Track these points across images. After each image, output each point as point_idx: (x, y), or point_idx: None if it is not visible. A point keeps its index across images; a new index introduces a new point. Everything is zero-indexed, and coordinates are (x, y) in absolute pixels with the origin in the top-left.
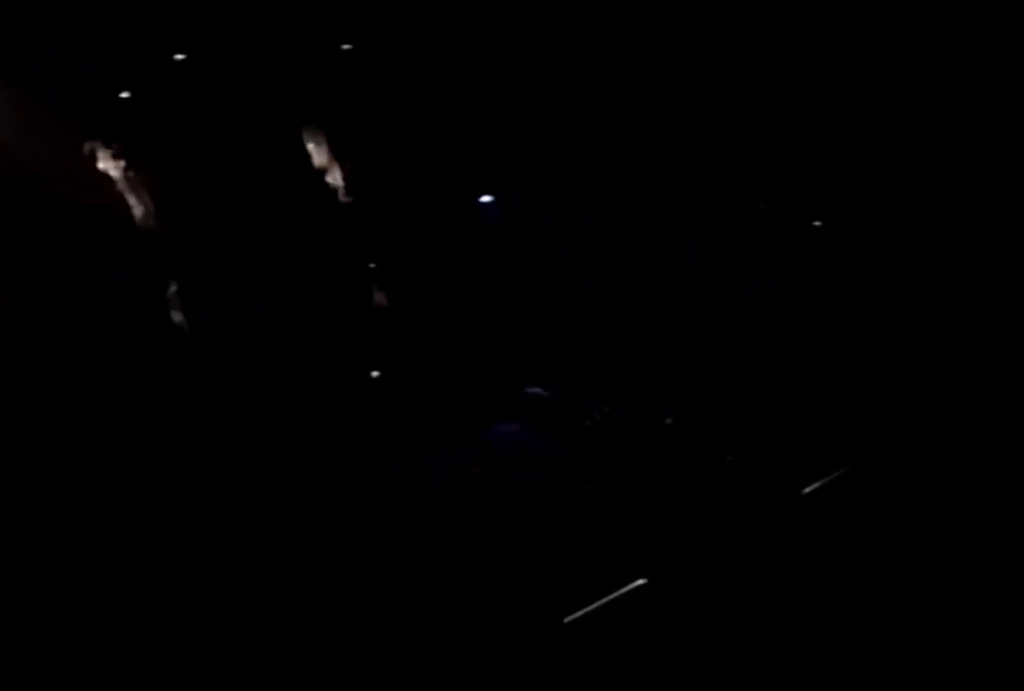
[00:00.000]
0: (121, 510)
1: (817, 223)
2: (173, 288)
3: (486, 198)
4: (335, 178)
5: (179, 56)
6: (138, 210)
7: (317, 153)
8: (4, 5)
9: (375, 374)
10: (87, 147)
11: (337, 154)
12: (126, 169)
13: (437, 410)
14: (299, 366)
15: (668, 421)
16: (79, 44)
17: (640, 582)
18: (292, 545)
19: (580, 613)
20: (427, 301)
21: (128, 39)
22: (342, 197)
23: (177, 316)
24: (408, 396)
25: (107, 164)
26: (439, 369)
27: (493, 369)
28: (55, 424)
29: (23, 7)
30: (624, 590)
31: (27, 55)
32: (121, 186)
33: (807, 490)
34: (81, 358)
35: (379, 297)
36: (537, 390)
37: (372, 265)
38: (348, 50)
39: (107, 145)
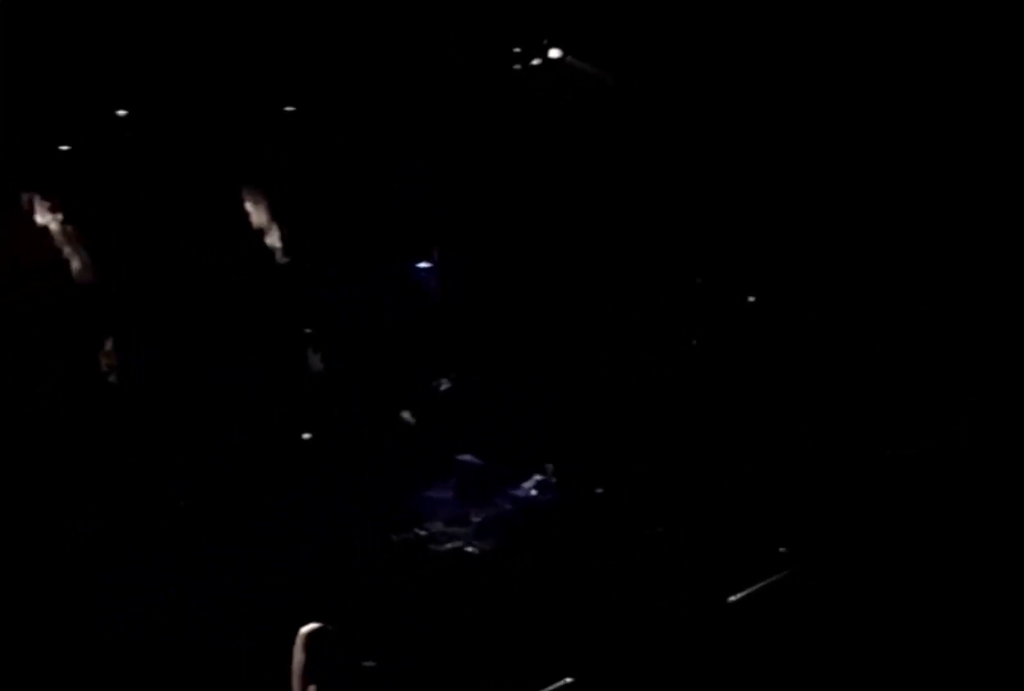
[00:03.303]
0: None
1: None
2: (108, 341)
3: (423, 264)
4: (273, 239)
5: (121, 112)
6: (75, 263)
7: (256, 213)
8: None
9: (306, 436)
10: (25, 199)
11: (276, 215)
12: (64, 222)
13: (368, 472)
14: (232, 427)
15: (598, 491)
16: (18, 97)
17: (567, 681)
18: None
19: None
20: (362, 365)
21: (69, 93)
22: (279, 259)
23: (112, 369)
24: (341, 458)
25: (44, 217)
26: (372, 432)
27: (426, 433)
28: None
29: None
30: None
31: None
32: (58, 239)
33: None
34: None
35: (314, 360)
36: (468, 457)
37: (308, 330)
38: (290, 112)
39: (45, 197)
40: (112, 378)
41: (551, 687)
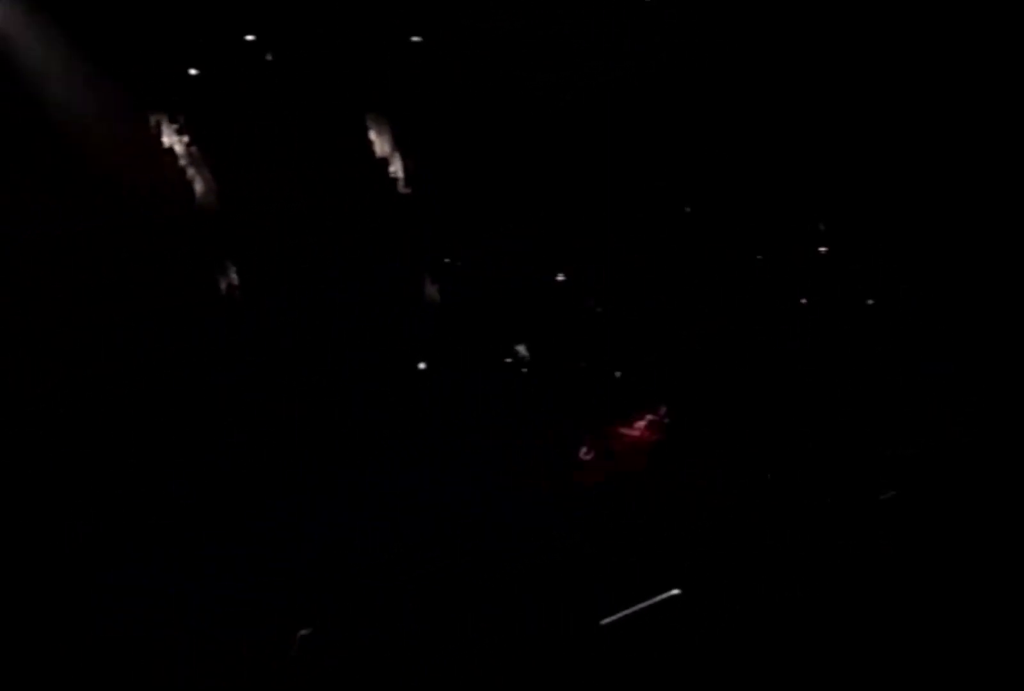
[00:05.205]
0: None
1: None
2: (228, 262)
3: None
4: (396, 168)
5: (250, 36)
6: (199, 185)
7: (379, 142)
8: None
9: (422, 366)
10: (152, 120)
11: (400, 145)
12: (189, 143)
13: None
14: (342, 352)
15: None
16: (150, 21)
17: (674, 592)
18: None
19: (615, 617)
20: (481, 298)
21: (200, 19)
22: (401, 188)
23: (229, 289)
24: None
25: (171, 138)
26: (487, 367)
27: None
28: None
29: None
30: (658, 599)
31: (100, 32)
32: (183, 160)
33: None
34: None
35: (431, 291)
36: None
37: (428, 258)
38: (418, 42)
39: (172, 119)
40: (227, 295)
41: None
